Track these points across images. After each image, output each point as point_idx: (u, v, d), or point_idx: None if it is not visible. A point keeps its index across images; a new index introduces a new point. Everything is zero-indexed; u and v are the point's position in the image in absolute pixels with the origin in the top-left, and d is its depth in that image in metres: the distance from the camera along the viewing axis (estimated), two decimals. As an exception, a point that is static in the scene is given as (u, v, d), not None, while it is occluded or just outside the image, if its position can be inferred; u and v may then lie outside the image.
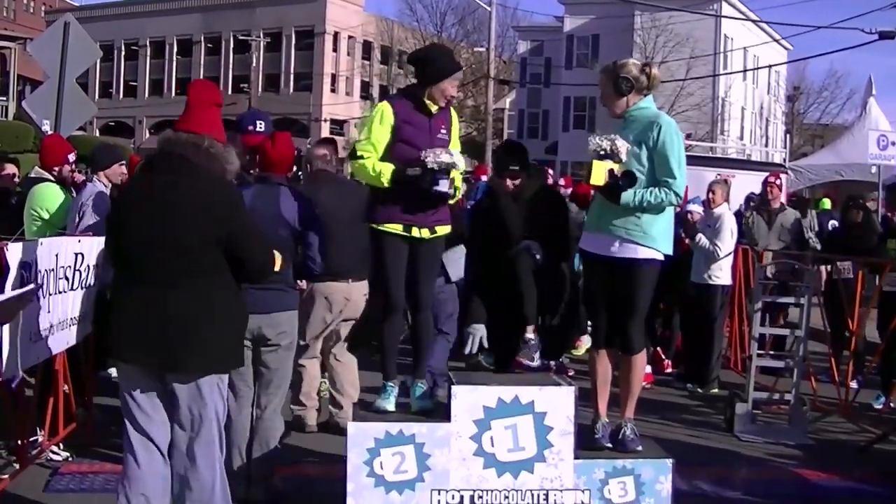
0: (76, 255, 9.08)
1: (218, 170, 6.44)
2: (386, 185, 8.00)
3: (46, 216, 10.64)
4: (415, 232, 8.08)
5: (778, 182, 15.94)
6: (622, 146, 7.83)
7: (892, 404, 12.70)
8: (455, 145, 8.45)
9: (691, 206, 14.07)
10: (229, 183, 6.54)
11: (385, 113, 8.16)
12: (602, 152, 7.82)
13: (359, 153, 8.07)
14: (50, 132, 15.20)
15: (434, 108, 8.21)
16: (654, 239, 8.09)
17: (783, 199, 16.84)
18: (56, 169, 11.11)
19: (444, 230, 8.32)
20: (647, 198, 7.91)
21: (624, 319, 8.21)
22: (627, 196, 7.87)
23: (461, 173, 8.39)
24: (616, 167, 7.84)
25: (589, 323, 10.95)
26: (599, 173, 7.82)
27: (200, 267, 6.25)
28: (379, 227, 8.02)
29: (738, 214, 16.46)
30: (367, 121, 8.33)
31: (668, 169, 7.96)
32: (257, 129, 8.81)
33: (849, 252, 14.51)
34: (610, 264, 8.10)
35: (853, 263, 14.32)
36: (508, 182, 9.28)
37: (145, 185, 6.41)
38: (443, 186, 7.89)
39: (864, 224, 15.63)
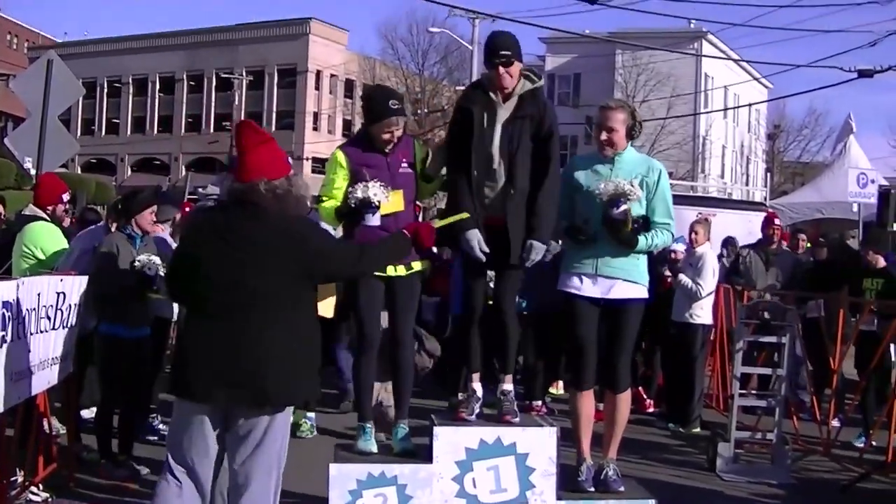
0: (58, 294, 9.03)
1: (290, 206, 6.54)
2: (336, 223, 8.28)
3: (42, 256, 10.76)
4: (389, 270, 8.07)
5: (781, 224, 16.07)
6: (638, 190, 7.94)
7: (873, 443, 12.68)
8: (421, 171, 8.47)
9: (674, 246, 14.07)
10: (297, 218, 6.63)
11: (339, 160, 8.26)
12: (633, 196, 7.90)
13: (321, 197, 8.21)
14: (32, 169, 15.21)
15: (388, 146, 8.23)
16: (645, 277, 8.27)
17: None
18: (50, 208, 11.18)
19: (418, 265, 8.29)
20: (655, 241, 8.13)
21: (614, 358, 8.28)
22: (644, 240, 8.01)
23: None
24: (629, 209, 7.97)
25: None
26: (630, 219, 7.96)
27: (281, 306, 6.36)
28: None
29: (719, 257, 16.51)
30: (326, 169, 8.41)
31: (667, 212, 8.16)
32: None
33: (819, 289, 14.56)
34: (604, 305, 8.16)
35: (819, 302, 14.39)
36: (502, 71, 7.96)
37: (219, 230, 6.47)
38: (369, 221, 7.93)
39: (830, 262, 15.74)
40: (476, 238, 7.98)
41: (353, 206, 7.96)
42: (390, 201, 7.99)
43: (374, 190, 7.89)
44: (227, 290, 6.30)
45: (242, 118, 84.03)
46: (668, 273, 14.21)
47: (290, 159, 7.09)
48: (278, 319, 6.33)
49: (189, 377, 6.37)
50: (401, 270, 8.12)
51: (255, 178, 6.45)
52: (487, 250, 8.02)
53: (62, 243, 10.91)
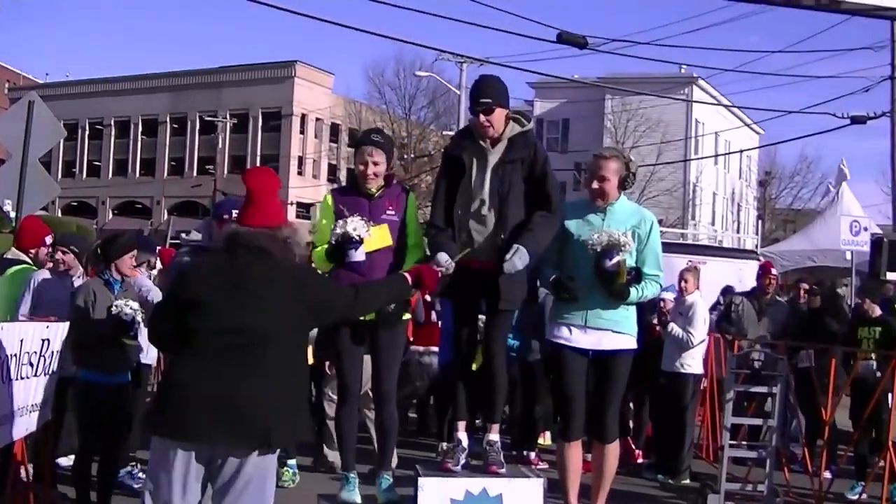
0: (43, 340, 8.97)
1: (292, 254, 6.60)
2: (328, 266, 8.12)
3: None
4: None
5: (777, 275, 15.99)
6: (631, 241, 7.90)
7: (867, 494, 12.55)
8: (411, 224, 8.41)
9: (664, 294, 13.95)
10: (304, 267, 6.93)
11: (327, 201, 8.38)
12: (626, 248, 7.85)
13: (315, 243, 8.22)
14: (12, 212, 15.10)
15: (373, 189, 8.20)
16: (634, 328, 8.30)
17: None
18: (33, 251, 11.15)
19: (396, 313, 8.21)
20: (645, 293, 8.15)
21: (602, 408, 8.22)
22: (635, 292, 7.97)
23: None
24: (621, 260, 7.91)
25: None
26: (624, 271, 7.93)
27: (283, 347, 6.33)
28: None
29: (716, 305, 16.42)
30: (314, 213, 8.49)
31: (656, 263, 8.19)
32: (233, 217, 8.72)
33: (813, 339, 14.47)
34: (593, 356, 8.07)
35: (810, 352, 14.30)
36: (482, 119, 7.99)
37: (225, 273, 6.40)
38: (353, 257, 7.88)
39: (823, 310, 15.65)
40: (445, 257, 7.81)
41: (334, 242, 7.91)
42: (373, 236, 7.93)
43: (353, 224, 7.85)
44: (233, 333, 6.21)
45: (227, 162, 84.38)
46: (656, 322, 14.09)
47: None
48: (280, 360, 6.28)
49: (186, 418, 6.18)
50: (371, 315, 8.03)
51: (266, 224, 6.48)
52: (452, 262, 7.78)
53: None
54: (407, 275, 7.28)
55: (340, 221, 7.92)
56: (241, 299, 6.24)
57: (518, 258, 7.65)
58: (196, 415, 6.14)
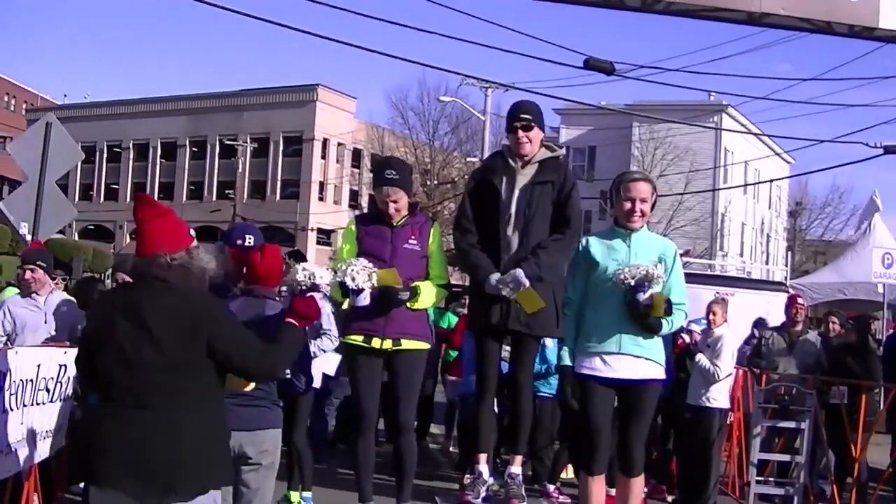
0: (60, 366, 8.89)
1: (194, 279, 6.30)
2: (345, 300, 8.17)
3: None
4: (375, 342, 7.97)
5: (805, 305, 15.80)
6: (663, 273, 7.82)
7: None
8: (434, 255, 8.43)
9: (692, 326, 13.74)
10: (198, 293, 6.32)
11: (350, 228, 8.43)
12: (659, 281, 7.79)
13: (336, 270, 8.16)
14: (28, 235, 15.04)
15: (396, 219, 8.23)
16: (663, 356, 8.22)
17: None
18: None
19: (413, 344, 8.14)
20: (674, 324, 8.08)
21: (629, 439, 8.16)
22: (666, 325, 7.93)
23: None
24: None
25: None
26: (660, 303, 7.86)
27: (184, 386, 6.03)
28: (344, 340, 8.02)
29: (749, 340, 16.21)
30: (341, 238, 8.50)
31: (682, 293, 8.17)
32: (246, 243, 8.62)
33: (845, 374, 14.26)
34: (624, 387, 7.96)
35: (842, 389, 14.09)
36: (521, 134, 8.31)
37: (122, 308, 6.12)
38: (357, 302, 7.95)
39: (854, 345, 15.41)
40: (494, 281, 8.00)
41: (338, 285, 7.90)
42: (379, 279, 7.85)
43: (352, 273, 7.75)
44: (132, 372, 5.95)
45: (246, 186, 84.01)
46: (688, 340, 13.84)
47: (192, 231, 6.89)
48: (182, 402, 6.03)
49: (97, 465, 5.94)
50: (388, 345, 7.95)
51: (155, 252, 6.22)
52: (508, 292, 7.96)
53: None
54: (288, 318, 6.81)
55: (343, 267, 7.88)
56: (138, 336, 5.99)
57: (510, 278, 7.97)
58: (101, 460, 5.91)
